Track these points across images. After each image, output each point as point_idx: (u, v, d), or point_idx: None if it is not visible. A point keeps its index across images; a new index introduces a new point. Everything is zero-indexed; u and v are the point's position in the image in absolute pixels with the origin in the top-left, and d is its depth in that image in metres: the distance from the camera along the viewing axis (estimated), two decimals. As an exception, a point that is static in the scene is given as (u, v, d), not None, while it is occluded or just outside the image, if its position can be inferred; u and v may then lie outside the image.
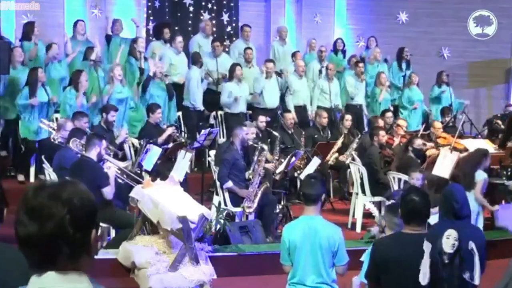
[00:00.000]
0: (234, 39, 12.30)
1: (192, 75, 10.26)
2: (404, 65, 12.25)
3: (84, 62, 9.87)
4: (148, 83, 9.83)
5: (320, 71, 11.41)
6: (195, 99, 10.26)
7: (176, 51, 10.64)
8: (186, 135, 9.53)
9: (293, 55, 11.77)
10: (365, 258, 4.50)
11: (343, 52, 12.53)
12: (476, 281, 3.94)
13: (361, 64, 11.58)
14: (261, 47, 12.65)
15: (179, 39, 10.69)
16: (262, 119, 9.47)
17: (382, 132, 8.79)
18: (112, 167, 6.84)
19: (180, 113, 10.42)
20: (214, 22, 12.29)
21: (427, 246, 3.71)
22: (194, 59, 10.38)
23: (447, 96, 11.75)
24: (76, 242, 1.69)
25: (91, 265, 1.78)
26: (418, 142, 8.62)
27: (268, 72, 10.56)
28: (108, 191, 6.58)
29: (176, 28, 11.94)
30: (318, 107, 10.91)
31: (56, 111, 9.41)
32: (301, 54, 11.98)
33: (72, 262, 1.72)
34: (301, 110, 11.01)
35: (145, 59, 10.23)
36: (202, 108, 10.43)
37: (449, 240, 3.83)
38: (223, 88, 10.36)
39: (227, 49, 11.71)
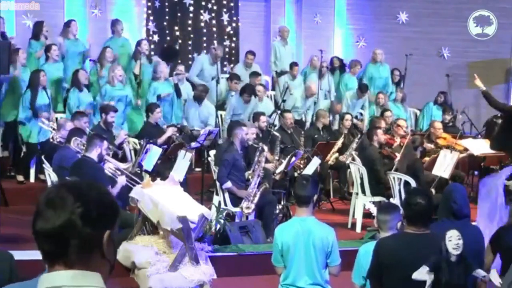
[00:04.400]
0: (234, 39, 12.29)
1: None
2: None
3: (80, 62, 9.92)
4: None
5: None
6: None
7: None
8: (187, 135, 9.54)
9: (291, 67, 11.55)
10: (357, 259, 4.46)
11: (340, 68, 12.13)
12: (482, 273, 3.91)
13: (365, 92, 11.22)
14: (261, 47, 12.65)
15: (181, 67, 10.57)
16: (264, 119, 9.47)
17: (380, 131, 8.75)
18: (123, 177, 6.89)
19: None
20: (214, 22, 12.30)
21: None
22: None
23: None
24: (85, 237, 1.68)
25: (108, 270, 1.75)
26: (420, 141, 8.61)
27: (259, 95, 10.45)
28: (108, 191, 6.59)
29: (178, 33, 11.94)
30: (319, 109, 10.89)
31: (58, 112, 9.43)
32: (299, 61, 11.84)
33: (82, 258, 1.70)
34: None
35: (150, 60, 10.22)
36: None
37: (452, 242, 3.83)
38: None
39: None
